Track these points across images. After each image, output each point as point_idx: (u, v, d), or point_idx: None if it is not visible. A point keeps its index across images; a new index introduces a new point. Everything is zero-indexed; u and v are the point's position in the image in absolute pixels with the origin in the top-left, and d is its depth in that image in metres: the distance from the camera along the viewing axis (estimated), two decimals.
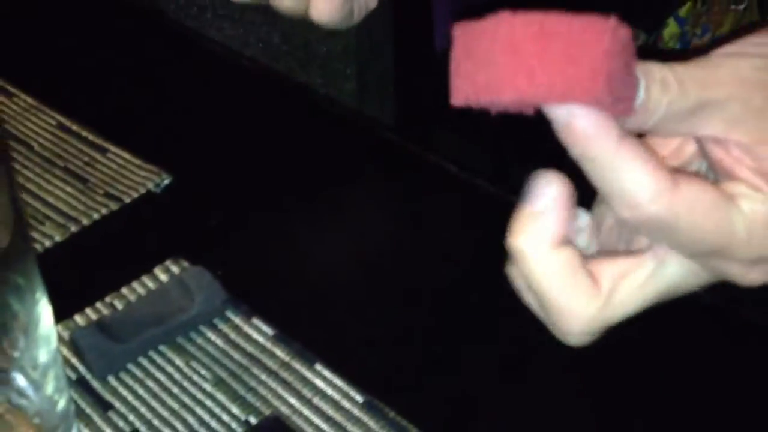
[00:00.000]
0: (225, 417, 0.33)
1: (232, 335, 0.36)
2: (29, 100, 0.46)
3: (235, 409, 0.33)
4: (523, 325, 0.25)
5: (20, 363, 0.28)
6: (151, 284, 0.37)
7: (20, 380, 0.29)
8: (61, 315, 0.34)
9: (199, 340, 0.35)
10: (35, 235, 0.39)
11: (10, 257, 0.26)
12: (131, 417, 0.33)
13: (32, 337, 0.27)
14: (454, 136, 0.97)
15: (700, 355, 0.35)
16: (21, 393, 0.29)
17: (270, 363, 0.35)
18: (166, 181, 0.42)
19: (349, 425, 0.33)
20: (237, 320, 0.36)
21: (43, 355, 0.28)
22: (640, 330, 0.26)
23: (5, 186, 0.25)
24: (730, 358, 0.35)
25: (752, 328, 0.36)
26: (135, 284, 0.37)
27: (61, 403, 0.29)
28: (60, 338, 0.34)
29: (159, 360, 0.34)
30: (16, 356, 0.28)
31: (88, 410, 0.33)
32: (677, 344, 0.35)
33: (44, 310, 0.28)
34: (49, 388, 0.29)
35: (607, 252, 0.25)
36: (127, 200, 0.41)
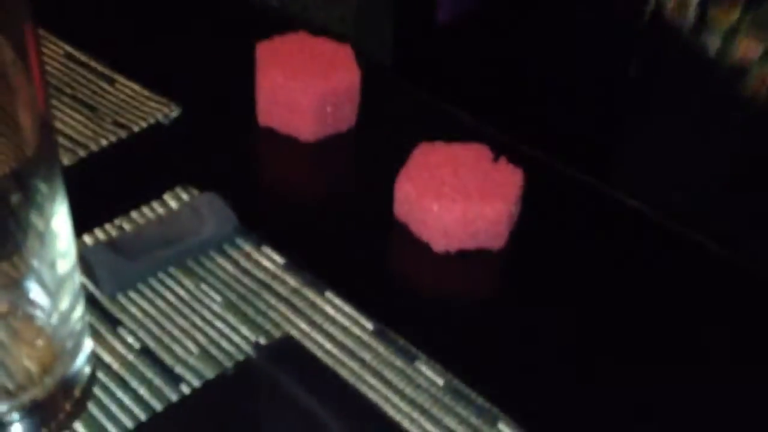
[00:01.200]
0: (235, 337, 0.33)
1: (243, 261, 0.36)
2: (39, 29, 0.46)
3: (245, 330, 0.33)
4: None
5: (37, 272, 0.28)
6: (160, 210, 0.37)
7: (34, 290, 0.28)
8: None
9: (210, 265, 0.35)
10: None
11: (35, 165, 0.26)
12: (141, 334, 0.32)
13: (51, 246, 0.27)
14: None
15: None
16: (33, 303, 0.29)
17: (280, 289, 0.35)
18: (175, 113, 0.42)
19: (358, 350, 0.33)
20: (247, 248, 0.36)
21: (62, 267, 0.28)
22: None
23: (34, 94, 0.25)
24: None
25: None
26: (144, 209, 0.37)
27: (75, 317, 0.29)
28: None
29: (169, 281, 0.34)
30: (34, 265, 0.28)
31: (97, 326, 0.32)
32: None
33: (65, 221, 0.27)
34: (65, 300, 0.28)
35: None
36: (136, 129, 0.41)
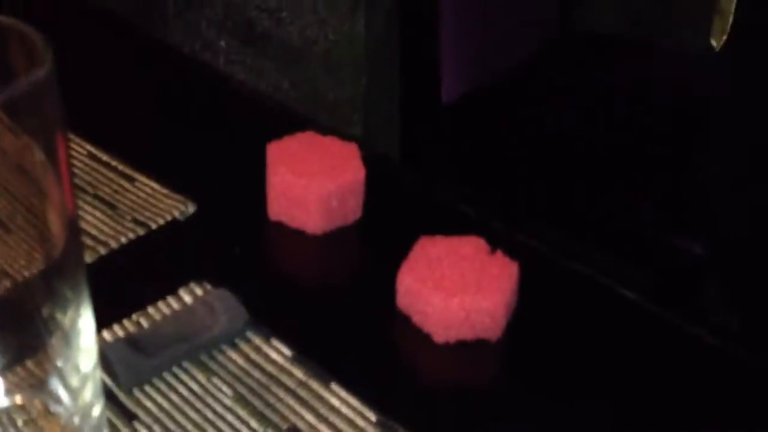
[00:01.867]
0: (244, 430, 0.34)
1: (252, 355, 0.37)
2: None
3: (254, 424, 0.35)
4: None
5: (61, 371, 0.30)
6: (175, 305, 0.39)
7: (58, 387, 0.30)
8: None
9: (221, 358, 0.37)
10: None
11: (62, 267, 0.28)
12: (155, 427, 0.34)
13: (75, 346, 0.29)
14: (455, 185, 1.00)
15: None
16: (57, 400, 0.31)
17: (288, 382, 0.36)
18: (191, 210, 0.44)
19: None
20: (257, 341, 0.38)
21: (84, 365, 0.29)
22: None
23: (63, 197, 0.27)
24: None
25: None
26: (160, 304, 0.39)
27: (96, 412, 0.30)
28: None
29: (182, 375, 0.36)
30: (59, 365, 0.30)
31: (114, 420, 0.34)
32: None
33: (89, 321, 0.29)
34: (86, 396, 0.30)
35: None
36: (154, 227, 0.43)
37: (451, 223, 0.43)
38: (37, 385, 0.30)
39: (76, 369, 0.29)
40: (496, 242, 0.41)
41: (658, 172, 0.94)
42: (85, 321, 0.29)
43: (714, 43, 0.71)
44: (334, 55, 1.12)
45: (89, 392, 0.30)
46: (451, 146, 1.06)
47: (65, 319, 0.29)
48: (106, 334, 0.37)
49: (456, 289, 0.39)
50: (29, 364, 0.30)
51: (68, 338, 0.29)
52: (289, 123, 0.48)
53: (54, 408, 0.30)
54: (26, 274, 0.29)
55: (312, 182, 0.43)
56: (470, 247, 0.41)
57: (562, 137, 1.00)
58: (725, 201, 0.86)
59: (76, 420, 0.30)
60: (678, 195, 0.92)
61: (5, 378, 0.30)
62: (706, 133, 0.98)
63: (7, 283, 0.29)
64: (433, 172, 1.02)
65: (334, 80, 1.13)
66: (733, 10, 0.69)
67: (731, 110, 0.81)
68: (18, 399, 0.30)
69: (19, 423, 0.30)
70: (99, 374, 0.31)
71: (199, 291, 0.40)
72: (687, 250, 0.89)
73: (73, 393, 0.30)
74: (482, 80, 1.07)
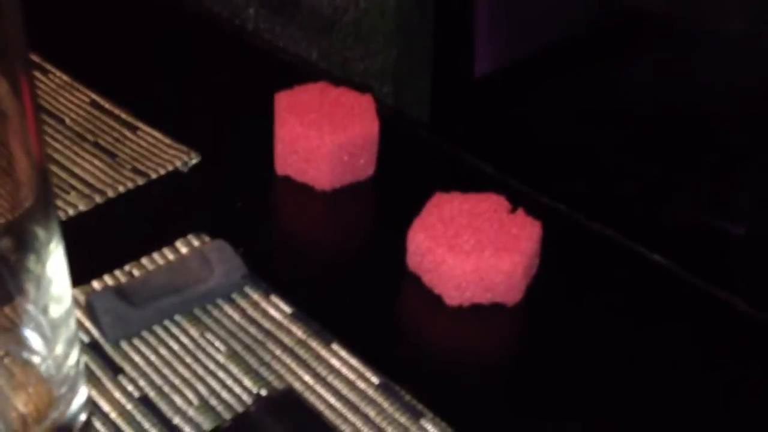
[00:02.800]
0: (237, 389, 0.32)
1: (250, 310, 0.35)
2: (64, 77, 0.47)
3: (247, 382, 0.32)
4: None
5: (33, 317, 0.28)
6: (171, 256, 0.37)
7: (30, 335, 0.28)
8: (78, 280, 0.34)
9: (216, 313, 0.35)
10: (59, 203, 0.39)
11: (31, 210, 0.26)
12: (141, 382, 0.32)
13: (46, 292, 0.27)
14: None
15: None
16: (28, 348, 0.29)
17: (286, 340, 0.34)
18: (194, 161, 0.42)
19: (362, 405, 0.32)
20: (255, 296, 0.36)
21: (56, 312, 0.28)
22: None
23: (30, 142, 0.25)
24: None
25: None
26: (155, 255, 0.37)
27: (71, 361, 0.28)
28: (75, 302, 0.34)
29: (174, 329, 0.34)
30: (30, 311, 0.28)
31: (99, 373, 0.32)
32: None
33: (61, 265, 0.27)
34: (60, 344, 0.28)
35: None
36: (154, 176, 0.41)
37: (470, 181, 0.41)
38: (9, 332, 0.28)
39: (48, 316, 0.27)
40: (517, 201, 0.38)
41: (693, 152, 0.91)
42: (56, 266, 0.27)
43: None
44: (364, 25, 1.09)
45: (62, 340, 0.28)
46: (482, 121, 1.03)
47: (36, 264, 0.27)
48: (96, 284, 0.35)
49: (471, 248, 0.36)
50: (1, 311, 0.28)
51: (39, 283, 0.27)
52: (300, 74, 0.46)
53: (27, 356, 0.28)
54: None
55: (322, 134, 0.41)
56: (489, 204, 0.38)
57: (597, 115, 0.96)
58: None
59: (51, 368, 0.28)
60: (716, 174, 0.88)
61: None
62: (748, 112, 0.93)
63: None
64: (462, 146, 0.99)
65: (364, 50, 1.10)
66: None
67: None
68: None
69: None
70: (74, 323, 0.28)
71: (196, 243, 0.37)
72: (723, 230, 0.85)
73: (46, 341, 0.28)
74: (517, 55, 1.03)
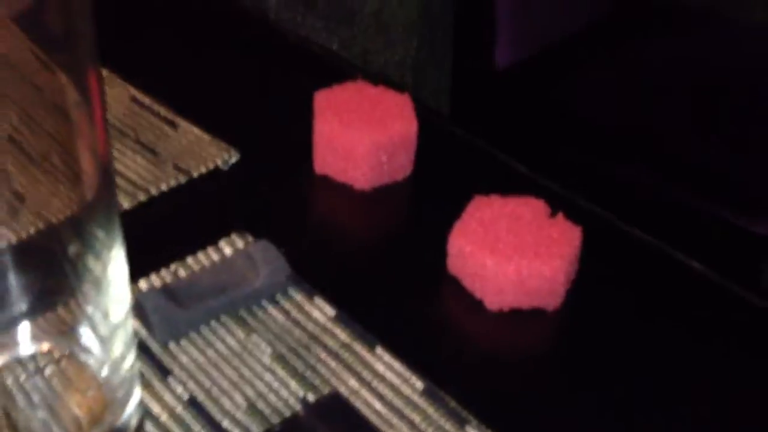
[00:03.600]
0: (283, 392, 0.32)
1: (294, 312, 0.35)
2: (105, 72, 0.47)
3: (293, 385, 0.33)
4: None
5: (91, 319, 0.28)
6: (215, 256, 0.37)
7: (87, 336, 0.29)
8: None
9: (261, 314, 0.35)
10: None
11: (94, 210, 0.26)
12: (190, 384, 0.32)
13: (106, 293, 0.27)
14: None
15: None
16: (86, 349, 0.29)
17: (330, 343, 0.34)
18: (234, 159, 0.42)
19: (407, 410, 0.32)
20: (299, 298, 0.36)
21: (116, 314, 0.28)
22: None
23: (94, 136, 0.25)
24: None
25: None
26: (200, 255, 0.37)
27: (127, 364, 0.29)
28: None
29: (220, 330, 0.34)
30: (89, 312, 0.28)
31: (148, 374, 0.32)
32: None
33: (121, 267, 0.28)
34: (117, 347, 0.28)
35: None
36: (195, 174, 0.41)
37: (508, 183, 0.41)
38: (66, 333, 0.28)
39: (107, 318, 0.28)
40: (557, 205, 0.38)
41: (718, 148, 0.90)
42: (117, 268, 0.27)
43: None
44: (385, 15, 1.09)
45: (120, 343, 0.28)
46: (503, 113, 1.03)
47: (97, 265, 0.27)
48: (143, 284, 0.36)
49: (512, 253, 0.36)
50: (59, 310, 0.28)
51: (99, 285, 0.27)
52: (338, 72, 0.46)
53: (84, 357, 0.29)
54: (59, 216, 0.27)
55: (361, 134, 0.41)
56: (529, 208, 0.38)
57: (619, 109, 0.95)
58: None
59: (106, 371, 0.28)
60: (743, 172, 0.88)
61: (33, 323, 0.28)
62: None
63: (39, 224, 0.27)
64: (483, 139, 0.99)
65: (385, 41, 1.10)
66: None
67: None
68: (45, 346, 0.29)
69: (47, 372, 0.29)
70: (131, 325, 0.29)
71: (240, 243, 0.38)
72: (750, 230, 0.85)
73: (104, 343, 0.28)
74: (539, 46, 1.02)
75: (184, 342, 0.34)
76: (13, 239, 0.26)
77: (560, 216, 0.37)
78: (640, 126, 0.94)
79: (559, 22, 1.04)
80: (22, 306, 0.27)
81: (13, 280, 0.26)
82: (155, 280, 0.36)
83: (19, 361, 0.28)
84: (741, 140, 0.90)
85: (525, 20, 1.01)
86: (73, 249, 0.26)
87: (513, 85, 1.02)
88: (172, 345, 0.34)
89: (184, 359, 0.33)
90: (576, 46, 1.04)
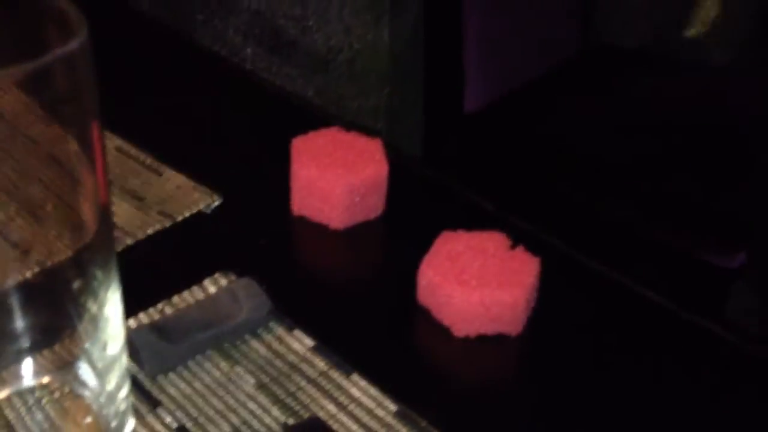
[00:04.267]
0: (266, 418, 0.35)
1: (275, 344, 0.38)
2: None
3: (275, 412, 0.35)
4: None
5: (89, 354, 0.30)
6: (200, 294, 0.40)
7: (85, 370, 0.31)
8: None
9: (244, 348, 0.37)
10: None
11: (93, 253, 0.28)
12: (178, 414, 0.35)
13: (103, 330, 0.30)
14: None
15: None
16: (83, 383, 0.31)
17: (309, 371, 0.37)
18: (217, 203, 0.45)
19: (382, 431, 0.34)
20: (279, 331, 0.38)
21: (112, 349, 0.30)
22: None
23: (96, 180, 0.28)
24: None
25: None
26: (185, 294, 0.39)
27: (121, 396, 0.31)
28: None
29: (206, 363, 0.37)
30: (87, 348, 0.30)
31: (139, 406, 0.35)
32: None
33: (117, 306, 0.30)
34: (112, 380, 0.31)
35: None
36: (180, 218, 0.44)
37: (473, 219, 0.44)
38: (65, 367, 0.31)
39: (104, 353, 0.30)
40: (517, 238, 0.41)
41: (682, 185, 0.94)
42: (113, 306, 0.30)
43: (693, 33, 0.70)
44: (358, 64, 1.13)
45: (115, 376, 0.30)
46: (473, 155, 1.07)
47: (95, 304, 0.29)
48: (132, 322, 0.38)
49: (476, 283, 0.39)
50: (58, 346, 0.31)
51: (97, 322, 0.29)
52: (313, 119, 0.49)
53: (80, 390, 0.31)
54: (58, 258, 0.29)
55: (336, 177, 0.44)
56: (491, 242, 0.41)
57: (583, 149, 0.99)
58: (761, 212, 0.84)
59: (102, 403, 0.31)
60: (703, 207, 0.92)
61: (34, 359, 0.31)
62: (732, 144, 0.97)
63: (38, 268, 0.30)
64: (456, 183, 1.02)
65: (358, 88, 1.14)
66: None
67: (760, 121, 0.80)
68: (45, 379, 0.31)
69: (46, 403, 0.31)
70: (125, 359, 0.31)
71: (223, 281, 0.40)
72: (711, 263, 0.88)
73: (100, 376, 0.30)
74: (505, 90, 1.07)
75: (172, 375, 0.36)
76: (20, 279, 0.28)
77: (520, 248, 0.40)
78: (603, 161, 0.98)
79: (524, 67, 1.09)
80: (25, 342, 0.29)
81: (18, 318, 0.28)
82: (143, 318, 0.38)
83: (21, 394, 0.30)
84: (705, 176, 0.94)
85: (492, 66, 1.06)
86: (74, 288, 0.28)
87: (481, 127, 1.06)
88: (160, 378, 0.36)
89: (172, 391, 0.35)
90: (542, 89, 1.08)
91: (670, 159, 0.96)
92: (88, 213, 0.28)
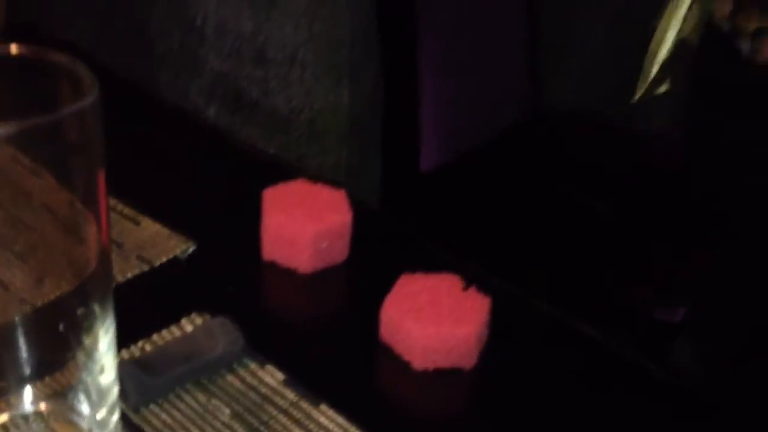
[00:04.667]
0: None
1: (249, 378, 0.41)
2: None
3: None
4: None
5: (84, 384, 0.33)
6: (178, 333, 0.42)
7: (79, 399, 0.33)
8: None
9: (220, 381, 0.40)
10: None
11: (92, 285, 0.31)
12: None
13: (98, 362, 0.32)
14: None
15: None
16: (77, 411, 0.34)
17: (281, 402, 0.40)
18: (191, 249, 0.48)
19: None
20: (253, 366, 0.41)
21: (105, 380, 0.33)
22: None
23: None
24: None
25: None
26: (164, 332, 0.42)
27: (111, 424, 0.33)
28: None
29: (185, 395, 0.39)
30: (82, 378, 0.33)
31: None
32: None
33: (112, 338, 0.33)
34: (104, 409, 0.33)
35: None
36: (157, 263, 0.47)
37: (428, 263, 0.48)
38: (61, 396, 0.33)
39: (98, 384, 0.33)
40: (469, 280, 0.45)
41: (630, 245, 0.99)
42: (109, 340, 0.32)
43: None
44: (318, 124, 1.17)
45: (107, 406, 0.33)
46: (428, 210, 1.11)
47: (91, 337, 0.32)
48: None
49: (433, 321, 0.43)
50: (56, 376, 0.33)
51: (92, 355, 0.32)
52: (281, 171, 0.53)
53: (74, 418, 0.34)
54: (63, 293, 0.32)
55: (304, 224, 0.47)
56: (446, 283, 0.45)
57: (531, 206, 1.05)
58: (702, 269, 0.89)
59: (94, 430, 0.33)
60: (647, 265, 0.97)
61: (33, 387, 0.33)
62: (678, 209, 1.02)
63: (48, 298, 0.32)
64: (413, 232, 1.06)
65: (319, 148, 1.18)
66: (653, 73, 0.76)
67: (700, 182, 0.85)
68: (42, 406, 0.33)
69: (41, 429, 0.33)
70: (116, 390, 0.34)
71: (199, 321, 0.43)
72: (656, 317, 0.93)
73: (93, 405, 0.33)
74: (459, 151, 1.12)
75: (154, 406, 0.39)
76: (26, 312, 0.31)
77: (472, 289, 0.44)
78: (551, 219, 1.03)
79: (478, 129, 1.14)
80: (27, 370, 0.32)
81: (23, 348, 0.31)
82: (125, 354, 0.41)
83: (18, 419, 0.33)
84: (650, 237, 0.99)
85: (447, 127, 1.11)
86: (75, 322, 0.31)
87: (436, 185, 1.11)
88: (143, 409, 0.39)
89: (155, 421, 0.38)
90: (493, 150, 1.14)
91: (616, 220, 1.01)
92: (92, 253, 0.31)
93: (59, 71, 0.29)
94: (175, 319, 0.43)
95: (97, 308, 0.31)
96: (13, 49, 0.28)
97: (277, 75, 1.18)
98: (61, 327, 0.31)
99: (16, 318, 0.31)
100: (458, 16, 1.09)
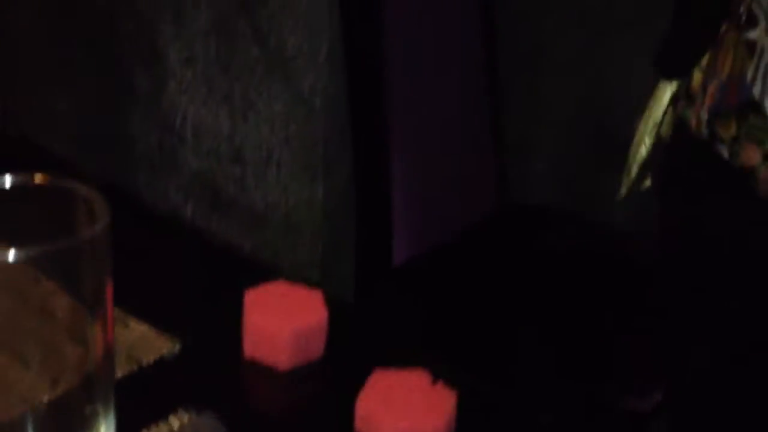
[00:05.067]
0: None
1: None
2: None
3: None
4: None
5: None
6: (165, 429, 0.45)
7: None
8: None
9: None
10: None
11: (97, 384, 0.34)
12: None
13: None
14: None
15: None
16: None
17: None
18: (178, 348, 0.51)
19: None
20: None
21: None
22: None
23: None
24: None
25: None
26: (153, 429, 0.45)
27: None
28: None
29: None
30: None
31: None
32: None
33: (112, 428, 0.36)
34: None
35: None
36: (145, 363, 0.50)
37: (399, 358, 0.51)
38: None
39: None
40: (437, 375, 0.48)
41: (599, 336, 1.02)
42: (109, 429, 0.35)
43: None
44: (293, 220, 1.22)
45: None
46: (401, 303, 1.14)
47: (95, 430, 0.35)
48: None
49: (404, 413, 0.46)
50: None
51: None
52: (260, 273, 0.57)
53: None
54: (70, 387, 0.35)
55: (282, 324, 0.51)
56: (416, 378, 0.48)
57: (501, 299, 1.08)
58: (672, 359, 0.92)
59: None
60: (619, 357, 1.00)
61: None
62: (648, 300, 1.05)
63: (56, 392, 0.35)
64: (385, 327, 1.09)
65: (293, 243, 1.22)
66: (634, 172, 0.80)
67: (668, 276, 0.88)
68: None
69: None
70: None
71: (185, 417, 0.46)
72: (624, 407, 0.95)
73: None
74: (430, 245, 1.16)
75: None
76: (36, 406, 0.34)
77: (440, 383, 0.48)
78: (522, 312, 1.06)
79: (448, 223, 1.19)
80: None
81: None
82: None
83: None
84: (619, 330, 1.02)
85: (418, 223, 1.16)
86: (82, 413, 0.34)
87: (408, 278, 1.14)
88: None
89: None
90: (463, 244, 1.18)
91: (586, 311, 1.05)
92: (97, 353, 0.34)
93: (77, 198, 0.33)
94: (164, 416, 0.46)
95: (99, 405, 0.34)
96: (37, 178, 0.33)
97: (255, 173, 1.24)
98: (69, 417, 0.34)
99: (26, 415, 0.34)
100: (427, 117, 1.16)
